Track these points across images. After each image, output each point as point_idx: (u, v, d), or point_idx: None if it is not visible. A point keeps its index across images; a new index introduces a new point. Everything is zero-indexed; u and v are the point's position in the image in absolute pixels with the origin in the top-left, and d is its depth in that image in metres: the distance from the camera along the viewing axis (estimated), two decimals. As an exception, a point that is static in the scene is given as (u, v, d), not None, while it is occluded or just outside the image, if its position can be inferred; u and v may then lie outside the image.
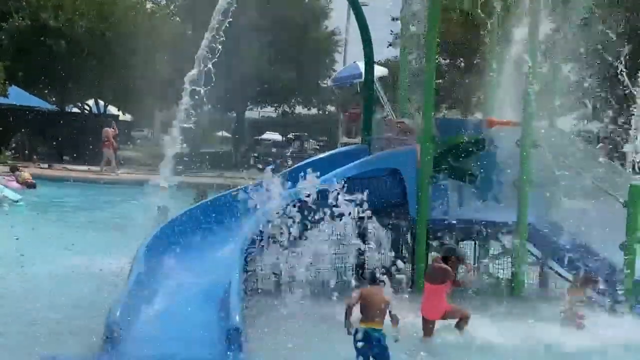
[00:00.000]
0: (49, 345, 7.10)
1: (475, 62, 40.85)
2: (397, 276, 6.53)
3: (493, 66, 12.39)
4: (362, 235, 8.21)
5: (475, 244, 11.51)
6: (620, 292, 9.49)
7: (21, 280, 8.81)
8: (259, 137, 53.24)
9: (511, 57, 11.31)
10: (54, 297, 8.73)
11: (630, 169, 10.47)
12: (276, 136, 53.84)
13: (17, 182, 21.27)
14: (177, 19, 43.58)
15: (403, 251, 11.11)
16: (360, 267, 10.02)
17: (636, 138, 10.61)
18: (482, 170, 10.37)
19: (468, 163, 10.36)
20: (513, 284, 10.20)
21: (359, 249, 8.25)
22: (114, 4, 37.39)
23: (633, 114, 10.90)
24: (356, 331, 6.55)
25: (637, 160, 10.37)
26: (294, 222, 8.18)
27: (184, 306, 7.28)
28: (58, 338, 7.34)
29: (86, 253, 10.98)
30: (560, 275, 10.64)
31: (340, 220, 8.10)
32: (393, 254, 8.29)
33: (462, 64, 42.45)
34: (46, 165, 30.12)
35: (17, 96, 36.69)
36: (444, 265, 8.38)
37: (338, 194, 7.81)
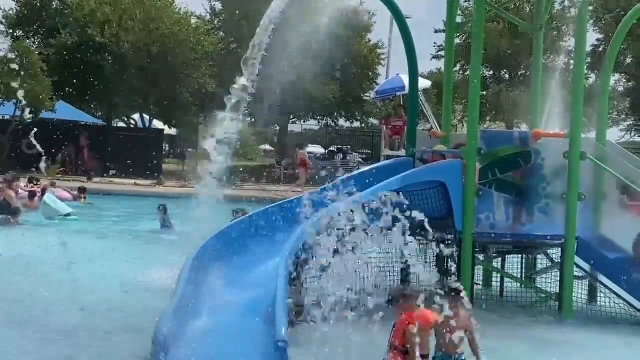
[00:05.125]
0: (97, 357, 7.18)
1: (519, 73, 40.67)
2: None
3: (539, 77, 12.26)
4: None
5: (522, 257, 11.37)
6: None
7: (73, 292, 8.96)
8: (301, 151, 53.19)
9: (558, 68, 11.17)
10: (103, 308, 8.84)
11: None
12: (319, 149, 53.87)
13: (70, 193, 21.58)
14: (222, 33, 44.01)
15: (449, 266, 10.98)
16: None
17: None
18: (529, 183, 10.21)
19: (515, 176, 10.20)
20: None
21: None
22: (160, 20, 37.86)
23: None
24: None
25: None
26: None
27: (230, 319, 7.29)
28: (106, 350, 7.42)
29: (136, 264, 11.12)
30: (610, 289, 10.43)
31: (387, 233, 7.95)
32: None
33: (507, 76, 42.17)
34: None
35: (65, 111, 37.33)
36: None
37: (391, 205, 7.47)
